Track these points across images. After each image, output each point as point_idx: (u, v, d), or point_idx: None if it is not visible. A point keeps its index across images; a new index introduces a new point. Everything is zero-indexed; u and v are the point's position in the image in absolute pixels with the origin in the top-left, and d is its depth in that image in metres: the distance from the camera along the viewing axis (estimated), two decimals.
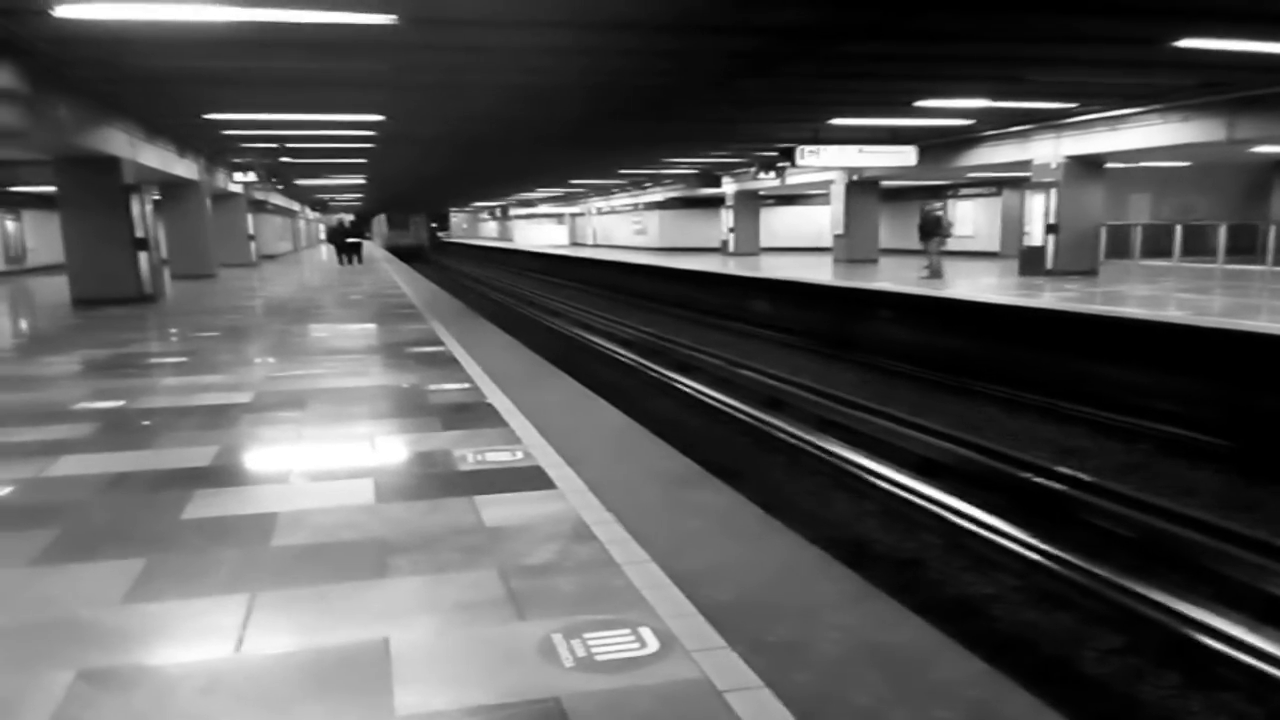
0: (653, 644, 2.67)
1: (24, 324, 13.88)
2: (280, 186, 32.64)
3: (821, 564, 3.29)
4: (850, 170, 24.79)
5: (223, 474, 4.65)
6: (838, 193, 26.41)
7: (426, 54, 10.10)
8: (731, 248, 32.77)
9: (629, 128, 17.13)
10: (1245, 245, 20.89)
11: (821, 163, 18.43)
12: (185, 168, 20.39)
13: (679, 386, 12.59)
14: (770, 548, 3.46)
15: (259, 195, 31.32)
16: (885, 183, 27.11)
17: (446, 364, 8.22)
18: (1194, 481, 7.82)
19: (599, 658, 2.59)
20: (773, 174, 25.02)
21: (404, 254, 46.85)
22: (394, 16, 8.09)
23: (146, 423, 5.94)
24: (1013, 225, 25.93)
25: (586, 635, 2.73)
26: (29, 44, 9.40)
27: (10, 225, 31.78)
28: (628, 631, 2.75)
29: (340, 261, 30.86)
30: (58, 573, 3.34)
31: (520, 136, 18.31)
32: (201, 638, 2.78)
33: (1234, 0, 8.43)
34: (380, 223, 63.41)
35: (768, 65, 11.02)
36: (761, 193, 33.12)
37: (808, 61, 10.79)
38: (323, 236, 63.73)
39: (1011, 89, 13.81)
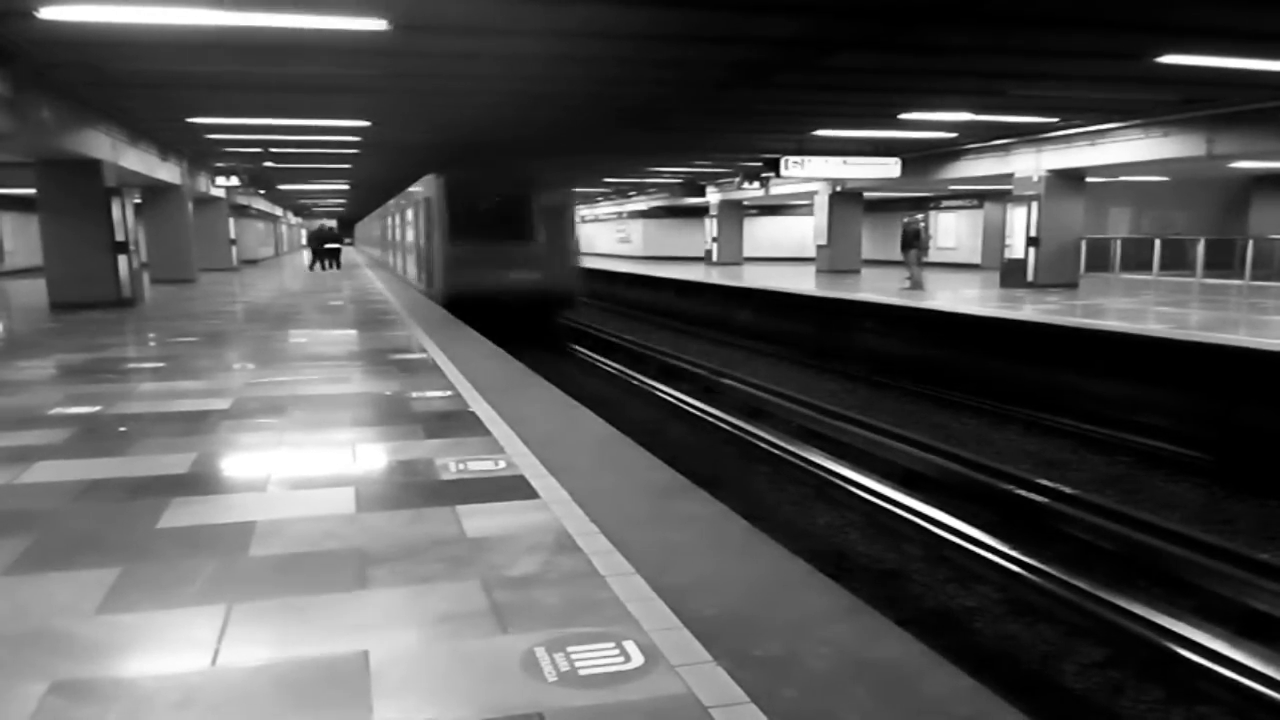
0: (637, 658, 2.64)
1: (0, 327, 13.70)
2: (263, 191, 32.45)
3: (808, 577, 3.26)
4: (834, 181, 24.90)
5: (200, 482, 4.59)
6: (821, 203, 26.52)
7: (415, 60, 10.06)
8: (715, 257, 32.86)
9: (616, 136, 17.12)
10: (1223, 260, 21.12)
11: (806, 173, 18.51)
12: (167, 171, 20.23)
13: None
14: (756, 560, 3.44)
15: (241, 200, 31.12)
16: (868, 194, 27.25)
17: (428, 371, 8.17)
18: (1172, 495, 7.87)
19: (583, 672, 2.56)
20: (757, 184, 25.10)
21: (525, 314, 16.04)
22: (385, 23, 8.06)
23: (123, 429, 5.86)
24: (994, 238, 26.12)
25: (570, 649, 2.69)
26: (13, 46, 9.29)
27: None
28: (612, 645, 2.72)
29: (311, 267, 30.65)
30: (30, 582, 3.27)
31: (506, 144, 18.24)
32: (177, 650, 2.72)
33: (1215, 17, 8.51)
34: (399, 219, 24.29)
35: (757, 76, 11.04)
36: (745, 202, 33.23)
37: (797, 72, 10.82)
38: (305, 242, 57.35)
39: (995, 103, 13.91)
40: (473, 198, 16.07)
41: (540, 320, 16.81)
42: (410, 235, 21.02)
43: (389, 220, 29.28)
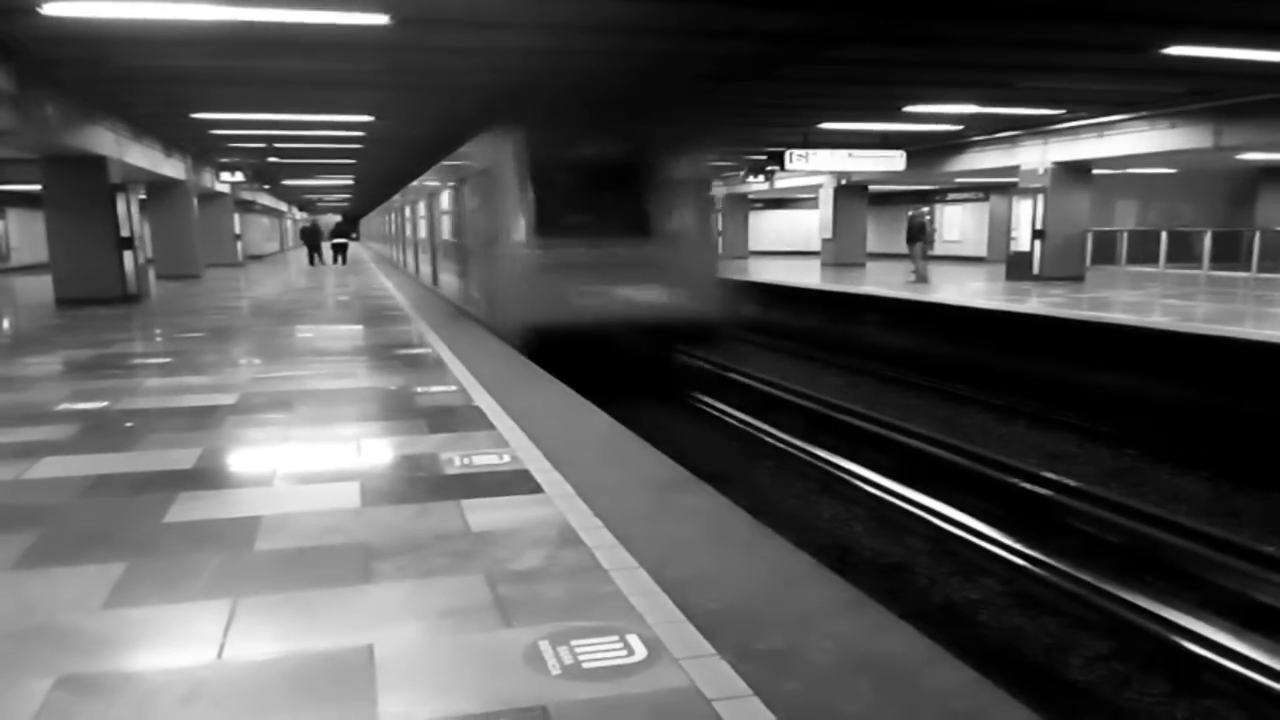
0: (640, 651, 2.64)
1: (6, 323, 13.75)
2: (267, 187, 32.51)
3: (812, 571, 3.27)
4: (839, 174, 24.86)
5: (206, 477, 4.60)
6: (826, 197, 26.50)
7: (417, 55, 10.06)
8: (719, 251, 32.89)
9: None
10: (1230, 252, 21.05)
11: (811, 167, 18.49)
12: (172, 167, 20.27)
13: None
14: (760, 554, 3.44)
15: (246, 195, 31.19)
16: (873, 187, 27.20)
17: (434, 367, 8.18)
18: (1178, 488, 7.86)
19: (586, 665, 2.57)
20: (761, 177, 25.07)
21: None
22: (386, 17, 8.06)
23: (129, 424, 5.88)
24: (1000, 230, 26.08)
25: (574, 642, 2.70)
26: (16, 42, 9.32)
27: None
28: (615, 639, 2.73)
29: (311, 263, 30.70)
30: (37, 577, 3.29)
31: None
32: (183, 644, 2.74)
33: (1222, 8, 8.47)
34: (430, 208, 17.07)
35: (761, 69, 11.03)
36: (750, 196, 33.22)
37: (799, 66, 10.80)
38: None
39: (1000, 95, 13.87)
40: (569, 169, 10.16)
41: (663, 362, 11.80)
42: (447, 230, 14.68)
43: (410, 210, 21.54)
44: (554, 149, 10.16)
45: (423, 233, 18.76)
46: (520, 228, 9.91)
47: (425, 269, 18.88)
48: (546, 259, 9.77)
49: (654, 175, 10.30)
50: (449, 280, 14.72)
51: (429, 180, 17.57)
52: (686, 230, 10.33)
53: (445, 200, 14.86)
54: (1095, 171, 19.49)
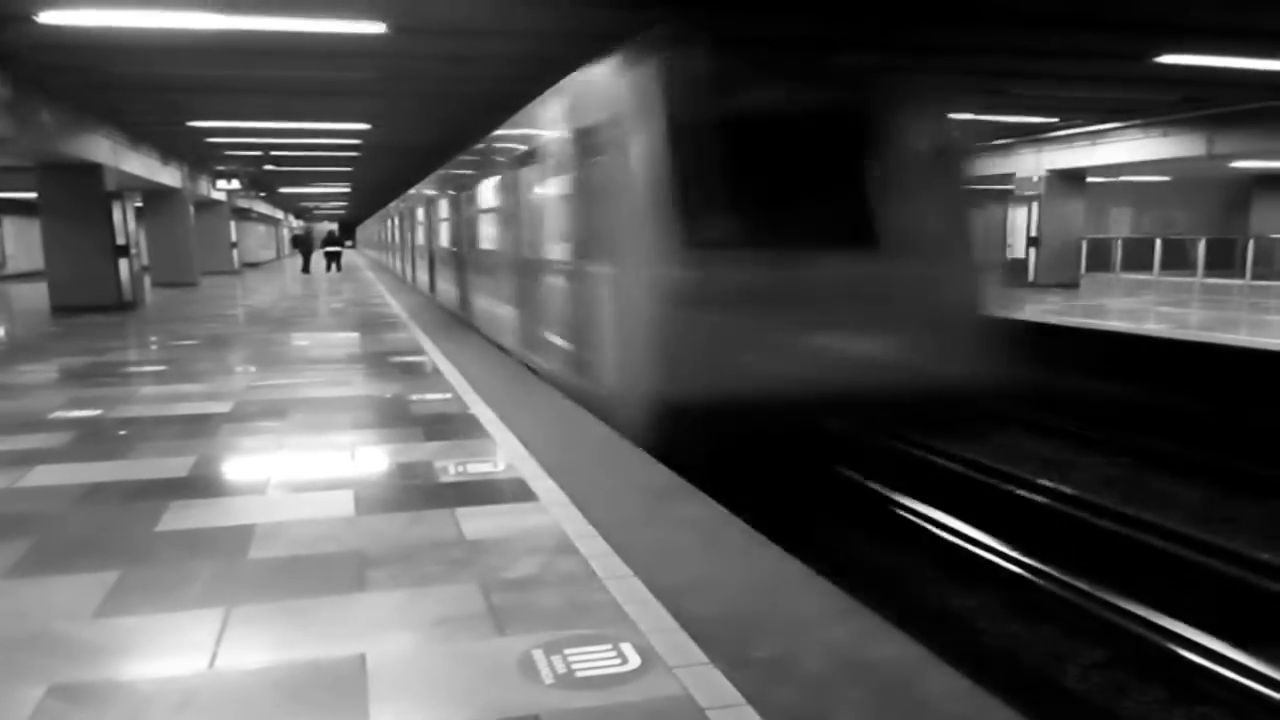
0: (634, 660, 2.64)
1: (2, 331, 13.72)
2: (264, 195, 32.51)
3: (806, 579, 3.26)
4: None
5: (200, 485, 4.59)
6: None
7: (414, 62, 10.07)
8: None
9: None
10: (1224, 259, 21.13)
11: None
12: (168, 175, 20.28)
13: None
14: (754, 562, 3.44)
15: (242, 203, 31.19)
16: None
17: (429, 374, 8.17)
18: (1174, 494, 7.86)
19: (580, 674, 2.56)
20: None
21: None
22: (383, 25, 8.08)
23: (123, 432, 5.86)
24: (994, 238, 26.12)
25: (567, 651, 2.69)
26: (12, 50, 9.32)
27: None
28: (609, 647, 2.72)
29: (304, 270, 30.85)
30: (30, 585, 3.28)
31: None
32: (175, 653, 2.73)
33: (1215, 17, 8.51)
34: (461, 204, 12.72)
35: None
36: None
37: None
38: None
39: (995, 103, 13.92)
40: (753, 127, 5.95)
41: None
42: (493, 234, 10.59)
43: (427, 211, 16.61)
44: (726, 89, 5.95)
45: (444, 239, 14.40)
46: (655, 229, 5.70)
47: (447, 288, 14.37)
48: (705, 284, 5.60)
49: (904, 142, 6.29)
50: (495, 312, 10.39)
51: (463, 165, 13.16)
52: (958, 240, 6.34)
53: (491, 190, 10.59)
54: (1089, 179, 19.57)
